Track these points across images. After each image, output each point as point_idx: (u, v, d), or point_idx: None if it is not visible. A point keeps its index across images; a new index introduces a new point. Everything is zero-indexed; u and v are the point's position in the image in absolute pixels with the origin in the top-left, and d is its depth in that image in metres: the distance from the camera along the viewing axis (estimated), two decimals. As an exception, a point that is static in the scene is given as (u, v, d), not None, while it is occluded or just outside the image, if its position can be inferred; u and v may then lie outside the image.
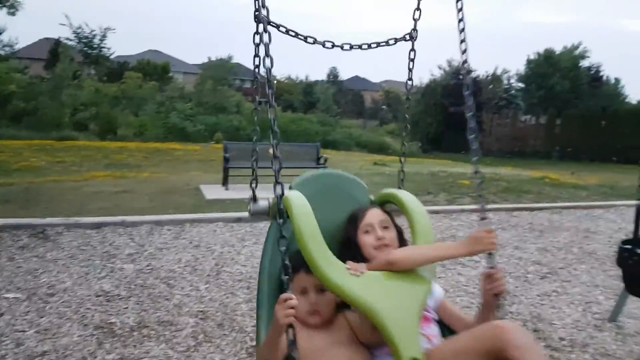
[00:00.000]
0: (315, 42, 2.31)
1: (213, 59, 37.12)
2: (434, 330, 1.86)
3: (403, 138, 2.51)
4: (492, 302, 1.83)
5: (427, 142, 30.62)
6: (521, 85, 41.39)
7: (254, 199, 2.15)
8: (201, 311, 3.76)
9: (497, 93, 34.32)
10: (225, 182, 9.56)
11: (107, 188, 8.94)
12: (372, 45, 2.45)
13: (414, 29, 2.42)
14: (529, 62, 40.09)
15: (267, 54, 1.78)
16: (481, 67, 44.72)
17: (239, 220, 6.50)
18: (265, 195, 2.24)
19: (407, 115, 2.59)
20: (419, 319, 1.68)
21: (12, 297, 3.85)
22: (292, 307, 1.53)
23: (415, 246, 1.90)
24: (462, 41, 2.14)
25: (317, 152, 10.49)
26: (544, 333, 3.65)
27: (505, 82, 38.44)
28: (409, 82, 2.46)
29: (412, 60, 2.43)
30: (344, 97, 46.18)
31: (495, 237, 1.78)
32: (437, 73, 34.74)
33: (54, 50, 32.53)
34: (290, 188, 2.08)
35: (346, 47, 2.35)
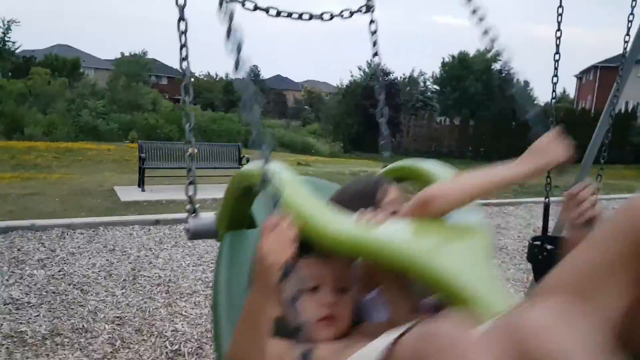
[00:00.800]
0: (278, 14, 2.18)
1: (127, 54, 35.90)
2: None
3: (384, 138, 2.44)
4: (583, 233, 1.19)
5: (349, 142, 31.23)
6: (437, 87, 43.20)
7: (194, 211, 1.67)
8: (118, 317, 3.68)
9: (414, 95, 35.66)
10: (141, 184, 9.29)
11: (15, 190, 8.45)
12: (325, 17, 2.31)
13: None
14: (444, 64, 41.90)
15: (184, 45, 1.76)
16: (398, 70, 46.24)
17: (156, 222, 6.37)
18: (184, 198, 1.77)
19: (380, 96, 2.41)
20: (490, 269, 1.22)
21: None
22: (290, 233, 1.00)
23: (460, 176, 1.43)
24: (374, 44, 2.23)
25: (238, 152, 10.45)
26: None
27: (422, 84, 40.00)
28: (376, 58, 2.37)
29: (374, 32, 2.34)
30: (266, 96, 46.09)
31: (562, 144, 1.35)
32: (357, 74, 35.50)
33: (-49, 42, 30.15)
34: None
35: (305, 16, 2.27)
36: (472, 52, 40.87)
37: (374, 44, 2.38)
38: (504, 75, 40.34)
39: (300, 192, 1.26)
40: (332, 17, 2.31)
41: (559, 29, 2.74)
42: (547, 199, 3.18)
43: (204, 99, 44.10)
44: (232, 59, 1.14)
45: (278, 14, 2.17)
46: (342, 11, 2.33)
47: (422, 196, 1.30)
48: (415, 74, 37.77)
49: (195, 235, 1.68)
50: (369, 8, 2.33)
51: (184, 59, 1.78)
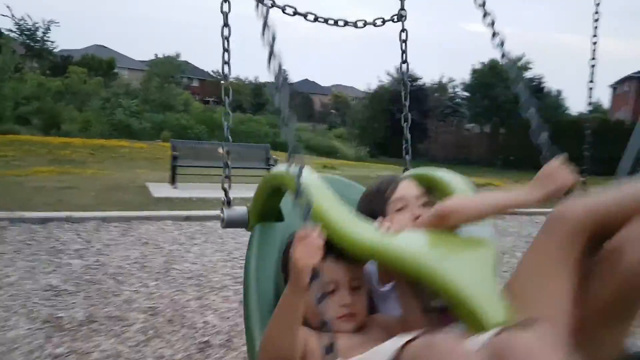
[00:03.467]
0: (315, 19, 2.25)
1: (160, 56, 36.54)
2: None
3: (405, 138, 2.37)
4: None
5: (375, 147, 31.23)
6: (466, 94, 42.75)
7: (229, 202, 1.81)
8: (151, 307, 3.80)
9: (443, 101, 35.41)
10: (173, 181, 9.52)
11: (51, 184, 8.74)
12: (359, 25, 2.38)
13: (402, 9, 2.38)
14: (474, 71, 41.47)
15: (226, 49, 1.89)
16: (427, 76, 45.98)
17: (187, 218, 6.52)
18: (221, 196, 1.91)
19: (405, 101, 2.43)
20: (495, 282, 1.29)
21: (-45, 292, 3.78)
22: (317, 244, 1.14)
23: (469, 196, 1.55)
24: (403, 52, 2.29)
25: (266, 154, 10.57)
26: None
27: (451, 90, 39.67)
28: (404, 65, 2.42)
29: (404, 41, 2.39)
30: (293, 99, 46.32)
31: (568, 170, 1.44)
32: (385, 79, 35.46)
33: (-6, 41, 31.17)
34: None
35: (340, 23, 2.33)
36: (502, 60, 40.41)
37: (403, 52, 2.44)
38: (534, 83, 39.85)
39: (328, 201, 1.37)
40: (365, 24, 2.39)
41: (595, 34, 2.76)
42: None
43: (233, 101, 44.56)
44: (266, 56, 1.23)
45: (315, 19, 2.25)
46: (375, 19, 2.41)
47: (441, 209, 1.40)
48: (445, 80, 37.48)
49: (229, 224, 1.80)
50: (400, 17, 2.39)
51: (226, 62, 1.93)
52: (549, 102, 39.32)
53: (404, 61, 2.42)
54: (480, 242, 1.42)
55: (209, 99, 44.56)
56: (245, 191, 3.08)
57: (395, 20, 2.39)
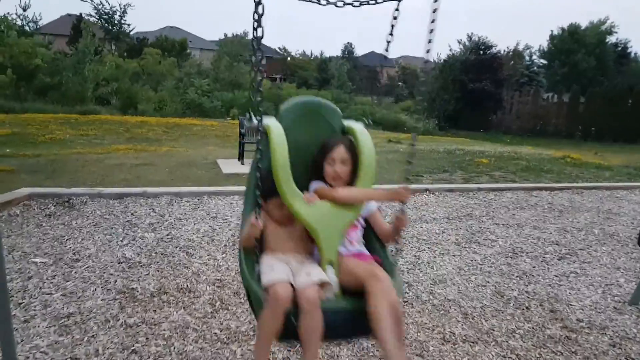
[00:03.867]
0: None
1: (229, 35, 37.03)
2: (357, 234, 2.42)
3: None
4: (397, 231, 2.38)
5: (444, 119, 30.24)
6: (544, 61, 40.62)
7: (251, 118, 2.32)
8: (218, 279, 3.89)
9: (519, 70, 33.72)
10: (241, 157, 9.68)
11: (129, 161, 9.14)
12: (355, 4, 2.40)
13: None
14: (552, 37, 39.33)
15: (259, 25, 1.98)
16: (502, 43, 43.93)
17: (255, 194, 6.60)
18: None
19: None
20: (341, 235, 2.25)
21: (40, 262, 4.02)
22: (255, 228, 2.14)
23: (355, 188, 2.35)
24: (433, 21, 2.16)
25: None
26: (561, 314, 3.63)
27: (527, 58, 37.75)
28: (387, 42, 2.42)
29: (395, 18, 2.36)
30: (359, 73, 45.68)
31: (410, 193, 2.29)
32: (456, 48, 34.15)
33: (76, 26, 32.81)
34: (279, 111, 2.58)
35: (339, 4, 2.37)
36: (583, 24, 37.92)
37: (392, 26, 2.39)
38: (619, 49, 37.20)
39: (282, 158, 2.25)
40: (360, 4, 2.44)
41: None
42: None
43: (299, 77, 44.70)
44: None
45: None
46: None
47: (336, 196, 2.29)
48: (521, 47, 35.63)
49: (249, 129, 2.87)
50: None
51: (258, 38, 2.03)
52: (634, 69, 36.70)
53: (390, 38, 2.41)
54: (350, 207, 2.29)
55: (275, 77, 44.85)
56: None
57: None
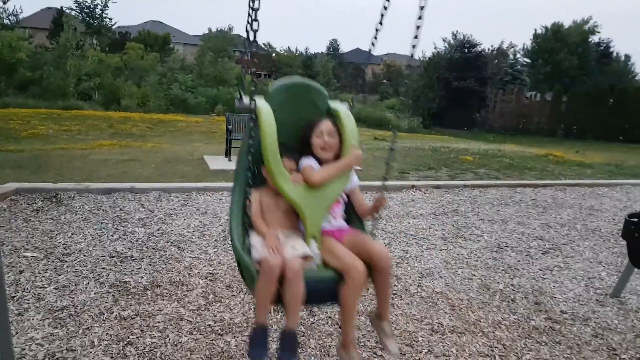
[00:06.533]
0: None
1: (213, 30, 36.77)
2: (339, 209, 2.56)
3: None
4: (376, 209, 2.53)
5: (429, 117, 30.38)
6: (527, 60, 41.01)
7: (242, 97, 2.49)
8: (210, 273, 3.93)
9: (503, 68, 34.01)
10: (228, 154, 9.68)
11: (114, 156, 9.10)
12: None
13: None
14: (535, 36, 39.72)
15: (254, 19, 2.14)
16: (486, 41, 44.28)
17: (244, 189, 6.63)
18: None
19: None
20: (325, 212, 2.43)
21: (31, 256, 4.02)
22: (277, 249, 2.20)
23: (325, 168, 2.48)
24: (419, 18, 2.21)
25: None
26: (545, 306, 3.74)
27: (511, 56, 38.09)
28: (376, 29, 2.46)
29: (385, 8, 2.38)
30: (344, 70, 45.72)
31: (361, 157, 2.52)
32: (441, 46, 34.31)
33: (56, 20, 32.36)
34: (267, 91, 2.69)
35: None
36: (567, 23, 38.35)
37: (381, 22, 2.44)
38: (602, 48, 37.72)
39: (271, 141, 2.37)
40: None
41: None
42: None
43: (284, 74, 44.64)
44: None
45: None
46: None
47: (312, 181, 2.39)
48: (505, 46, 35.89)
49: (239, 108, 2.48)
50: None
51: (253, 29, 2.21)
52: (616, 68, 37.24)
53: (379, 26, 2.46)
54: (333, 186, 2.43)
55: (260, 73, 44.71)
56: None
57: None
